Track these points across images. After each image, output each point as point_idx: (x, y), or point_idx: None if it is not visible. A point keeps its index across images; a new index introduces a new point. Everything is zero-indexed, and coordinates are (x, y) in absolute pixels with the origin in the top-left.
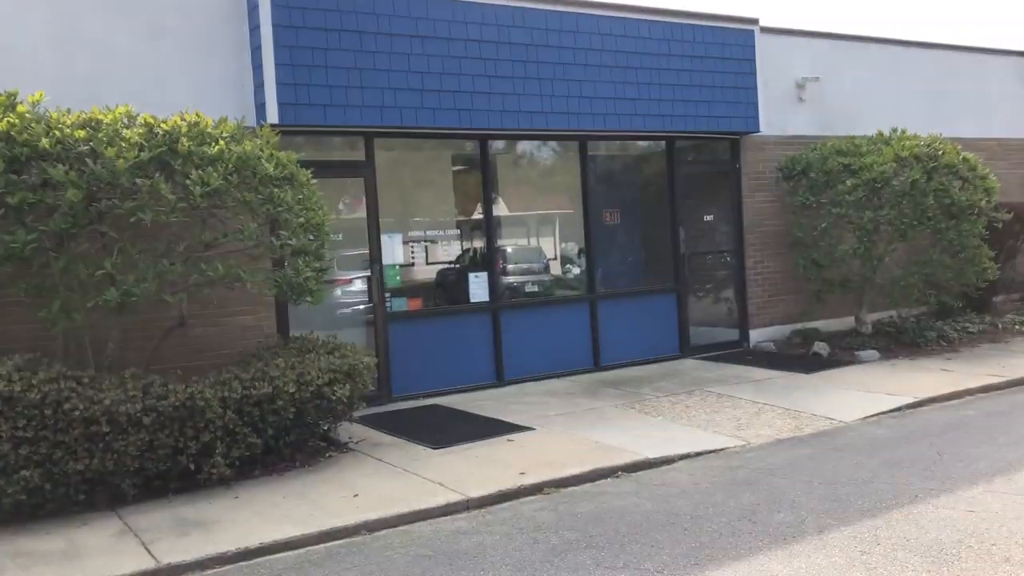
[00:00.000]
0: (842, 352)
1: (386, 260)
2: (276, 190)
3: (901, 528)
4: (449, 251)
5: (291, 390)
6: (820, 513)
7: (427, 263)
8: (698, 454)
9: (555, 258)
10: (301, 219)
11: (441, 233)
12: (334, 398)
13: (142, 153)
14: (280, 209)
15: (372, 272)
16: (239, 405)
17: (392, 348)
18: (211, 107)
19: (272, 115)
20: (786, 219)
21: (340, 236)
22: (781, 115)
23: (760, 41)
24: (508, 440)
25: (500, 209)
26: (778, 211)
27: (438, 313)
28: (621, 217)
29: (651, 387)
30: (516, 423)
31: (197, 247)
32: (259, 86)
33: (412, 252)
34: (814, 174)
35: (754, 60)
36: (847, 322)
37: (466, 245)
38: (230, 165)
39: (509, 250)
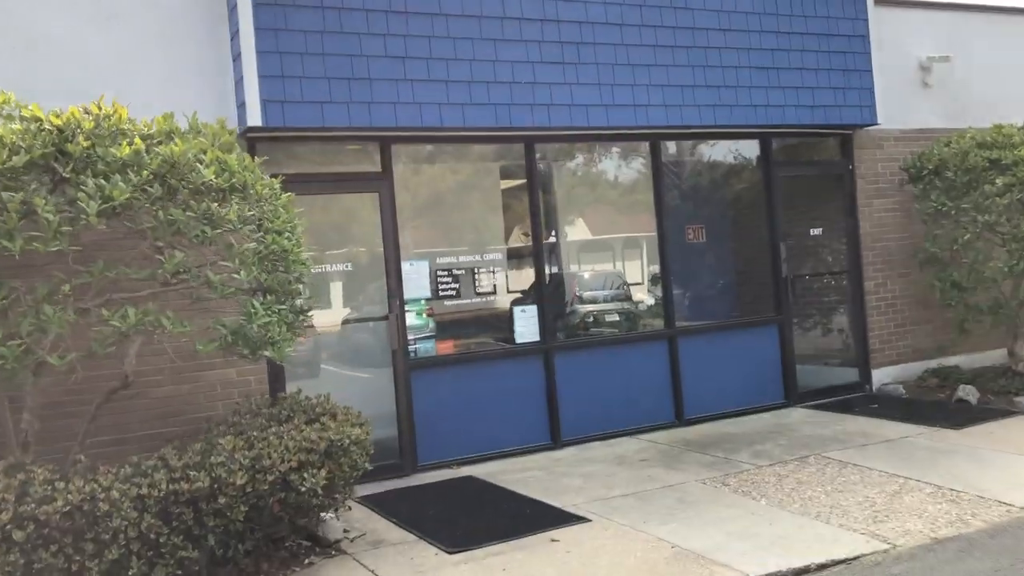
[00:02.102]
0: (996, 398)
1: (409, 294)
2: (216, 205)
3: None
4: (493, 281)
5: (239, 481)
6: None
7: (462, 297)
8: (822, 567)
9: (639, 282)
10: (252, 244)
11: (479, 259)
12: (303, 489)
13: (15, 157)
14: (219, 231)
15: (390, 309)
16: (164, 505)
17: (417, 404)
18: (180, 108)
19: (254, 116)
20: (914, 231)
21: (349, 266)
22: (902, 104)
23: (874, 15)
24: (552, 540)
25: (556, 229)
26: (903, 221)
27: (476, 358)
28: (706, 234)
29: (749, 451)
30: (566, 509)
31: (144, 285)
32: (239, 80)
33: (443, 283)
34: (951, 173)
35: (868, 37)
36: (993, 357)
37: (513, 274)
38: (147, 173)
39: (568, 279)
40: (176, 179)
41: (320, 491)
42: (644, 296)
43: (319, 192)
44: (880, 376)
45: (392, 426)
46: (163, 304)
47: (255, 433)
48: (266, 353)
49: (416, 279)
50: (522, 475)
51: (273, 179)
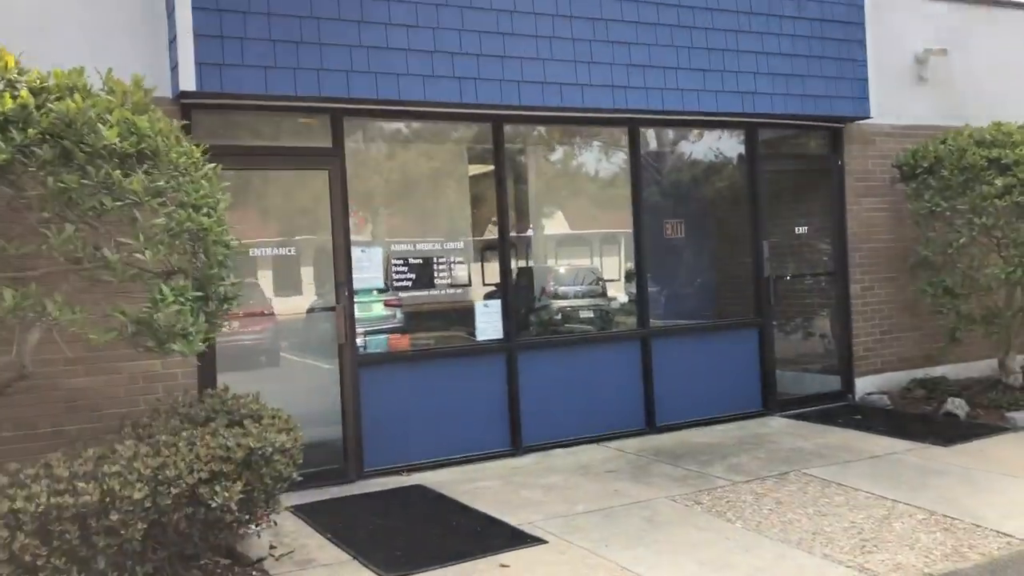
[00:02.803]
0: (986, 412)
1: (360, 283)
2: (118, 173)
3: None
4: (455, 273)
5: (137, 495)
6: None
7: (420, 288)
8: None
9: (616, 279)
10: (161, 220)
11: (441, 248)
12: (214, 505)
13: None
14: (120, 203)
15: (338, 300)
16: (42, 522)
17: (365, 404)
18: (104, 69)
19: (187, 79)
20: (904, 232)
21: (291, 250)
22: (895, 98)
23: (871, 2)
24: (501, 565)
25: (527, 221)
26: (893, 222)
27: (432, 355)
28: (685, 230)
29: (724, 465)
30: (522, 528)
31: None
32: (172, 40)
33: (399, 273)
34: (947, 172)
35: (863, 23)
36: (981, 368)
37: (479, 266)
38: (34, 131)
39: (538, 273)
40: (73, 141)
41: (235, 507)
42: (619, 293)
43: (261, 167)
44: (864, 385)
45: (336, 427)
46: (71, 288)
47: (164, 437)
48: (175, 347)
49: (368, 267)
50: (477, 485)
51: (194, 147)
